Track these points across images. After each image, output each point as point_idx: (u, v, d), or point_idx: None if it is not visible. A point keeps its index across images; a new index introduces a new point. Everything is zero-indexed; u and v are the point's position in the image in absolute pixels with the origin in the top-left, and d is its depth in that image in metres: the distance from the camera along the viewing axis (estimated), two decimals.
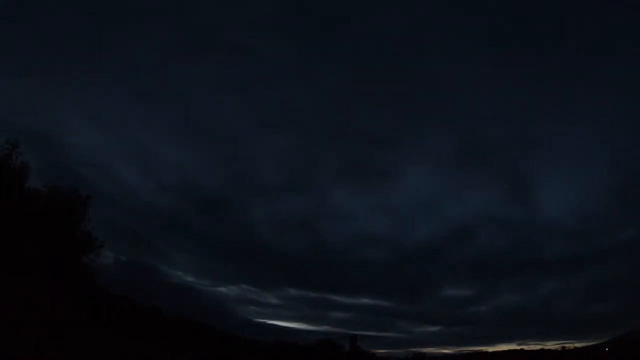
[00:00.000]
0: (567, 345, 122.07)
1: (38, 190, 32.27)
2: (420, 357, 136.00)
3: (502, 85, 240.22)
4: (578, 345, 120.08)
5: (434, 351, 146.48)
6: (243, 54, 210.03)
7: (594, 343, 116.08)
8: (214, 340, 64.08)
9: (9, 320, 25.47)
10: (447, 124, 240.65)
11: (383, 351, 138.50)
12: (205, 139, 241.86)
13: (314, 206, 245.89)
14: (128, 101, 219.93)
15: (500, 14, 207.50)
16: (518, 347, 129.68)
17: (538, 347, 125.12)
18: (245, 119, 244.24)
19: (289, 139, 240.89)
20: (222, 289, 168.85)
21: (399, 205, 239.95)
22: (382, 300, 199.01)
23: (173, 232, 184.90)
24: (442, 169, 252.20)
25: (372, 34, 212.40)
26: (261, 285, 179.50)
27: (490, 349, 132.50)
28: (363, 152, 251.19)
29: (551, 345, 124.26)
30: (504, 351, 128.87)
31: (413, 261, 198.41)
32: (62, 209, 33.23)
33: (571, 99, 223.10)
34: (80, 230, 34.65)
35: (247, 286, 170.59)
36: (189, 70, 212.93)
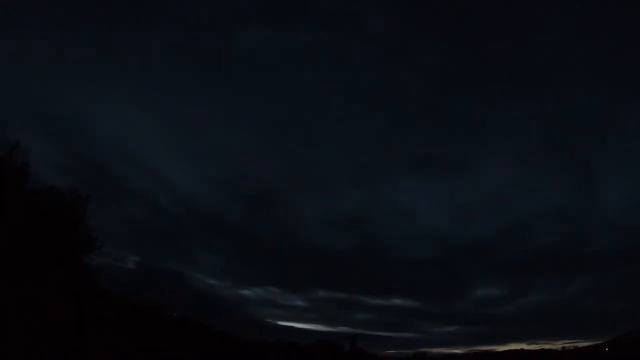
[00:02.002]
0: (567, 345, 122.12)
1: (38, 190, 32.26)
2: (420, 357, 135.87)
3: (590, 78, 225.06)
4: (578, 345, 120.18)
5: (445, 351, 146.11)
6: (339, 24, 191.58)
7: (594, 343, 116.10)
8: (213, 340, 64.04)
9: (9, 321, 25.47)
10: (531, 116, 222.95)
11: (392, 351, 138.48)
12: (261, 123, 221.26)
13: (372, 202, 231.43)
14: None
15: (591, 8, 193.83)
16: (518, 347, 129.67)
17: (547, 346, 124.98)
18: (320, 100, 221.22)
19: (365, 126, 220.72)
20: (246, 292, 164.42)
21: (462, 200, 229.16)
22: (413, 300, 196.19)
23: (207, 232, 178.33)
24: (516, 162, 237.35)
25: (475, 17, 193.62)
26: (288, 287, 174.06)
27: (500, 348, 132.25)
28: (439, 143, 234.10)
29: (560, 344, 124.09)
30: (504, 351, 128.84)
31: (457, 261, 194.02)
32: (62, 209, 33.23)
33: None
34: (80, 230, 34.64)
35: (273, 288, 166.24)
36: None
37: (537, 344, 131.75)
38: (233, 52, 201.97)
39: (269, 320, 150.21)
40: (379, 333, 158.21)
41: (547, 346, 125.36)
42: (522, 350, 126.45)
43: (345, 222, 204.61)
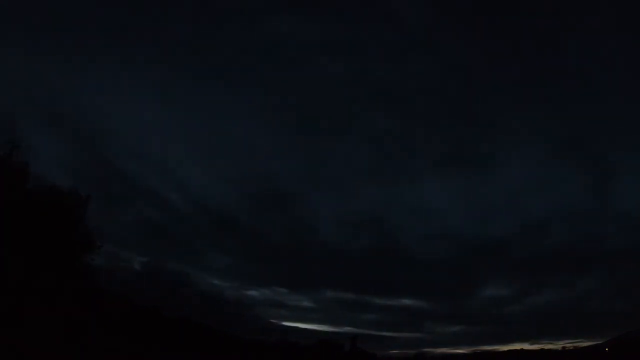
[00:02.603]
0: (567, 345, 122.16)
1: (38, 190, 32.27)
2: (421, 357, 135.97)
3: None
4: (578, 345, 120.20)
5: (448, 351, 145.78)
6: (366, 16, 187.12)
7: (594, 343, 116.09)
8: (211, 340, 63.98)
9: (8, 321, 25.45)
10: (552, 114, 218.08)
11: (395, 352, 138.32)
12: (280, 118, 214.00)
13: (390, 201, 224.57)
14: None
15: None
16: (520, 347, 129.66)
17: (548, 346, 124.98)
18: (343, 94, 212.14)
19: (387, 122, 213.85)
20: (252, 292, 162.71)
21: (480, 199, 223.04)
22: (422, 301, 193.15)
23: (217, 232, 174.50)
24: (535, 160, 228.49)
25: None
26: (296, 287, 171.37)
27: (503, 348, 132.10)
28: (461, 140, 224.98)
29: (563, 344, 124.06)
30: (503, 351, 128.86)
31: (469, 261, 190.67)
32: (62, 208, 33.24)
33: None
34: (80, 230, 34.67)
35: (280, 288, 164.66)
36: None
37: (539, 343, 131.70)
38: (255, 44, 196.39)
39: (273, 320, 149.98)
40: (384, 333, 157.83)
41: (549, 346, 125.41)
42: (522, 350, 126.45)
43: (361, 221, 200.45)
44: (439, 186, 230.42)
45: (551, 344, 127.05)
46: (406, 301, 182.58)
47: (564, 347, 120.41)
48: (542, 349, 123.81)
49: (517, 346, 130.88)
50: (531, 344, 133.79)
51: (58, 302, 30.09)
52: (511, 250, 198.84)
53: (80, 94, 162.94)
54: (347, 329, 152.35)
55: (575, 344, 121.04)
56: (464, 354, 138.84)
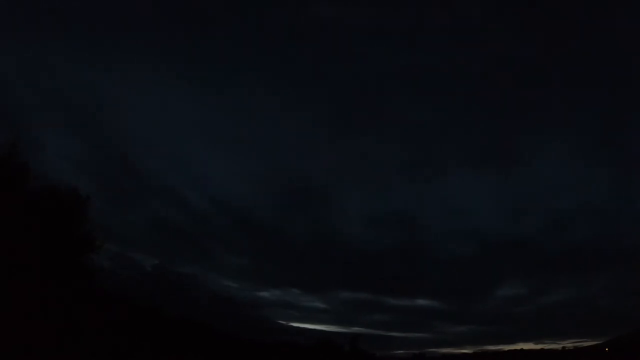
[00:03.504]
0: (567, 345, 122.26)
1: (38, 190, 32.10)
2: (420, 357, 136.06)
3: None
4: (578, 345, 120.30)
5: (453, 351, 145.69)
6: (413, 7, 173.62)
7: (594, 343, 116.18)
8: (211, 340, 63.88)
9: (8, 321, 25.29)
10: (589, 112, 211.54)
11: (401, 351, 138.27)
12: (312, 111, 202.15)
13: (421, 197, 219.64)
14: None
15: None
16: (525, 347, 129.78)
17: (552, 346, 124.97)
18: (380, 87, 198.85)
19: (423, 115, 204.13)
20: (264, 293, 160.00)
21: (509, 197, 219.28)
22: (436, 301, 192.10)
23: (234, 232, 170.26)
24: (568, 158, 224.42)
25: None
26: (311, 288, 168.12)
27: (507, 347, 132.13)
28: (498, 136, 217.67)
29: (566, 343, 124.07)
30: (503, 351, 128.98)
31: (491, 260, 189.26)
32: (62, 209, 33.09)
33: None
34: (80, 230, 34.50)
35: (294, 289, 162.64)
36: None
37: (543, 343, 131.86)
38: (288, 32, 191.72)
39: (280, 321, 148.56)
40: (392, 334, 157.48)
41: (552, 346, 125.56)
42: (522, 350, 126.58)
43: (389, 219, 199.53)
44: (469, 182, 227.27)
45: (555, 343, 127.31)
46: (421, 302, 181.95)
47: (564, 347, 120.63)
48: (542, 349, 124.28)
49: (521, 346, 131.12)
50: (535, 343, 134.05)
51: (56, 302, 29.95)
52: (532, 249, 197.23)
53: (96, 89, 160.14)
54: (355, 329, 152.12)
55: (575, 344, 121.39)
56: (464, 354, 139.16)
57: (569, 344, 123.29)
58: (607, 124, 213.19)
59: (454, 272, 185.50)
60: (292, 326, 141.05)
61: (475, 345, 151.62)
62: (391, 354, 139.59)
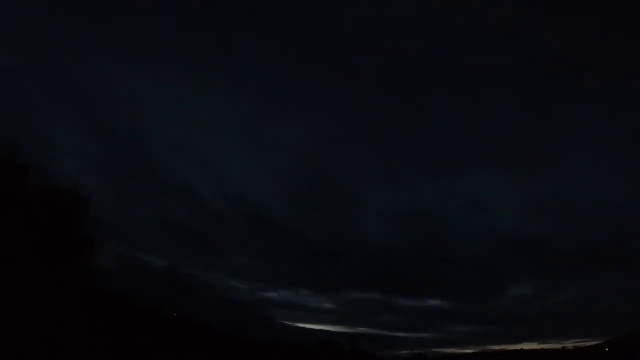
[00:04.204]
0: (567, 345, 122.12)
1: (38, 190, 32.09)
2: (420, 357, 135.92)
3: None
4: (578, 345, 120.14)
5: (455, 351, 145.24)
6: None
7: (594, 343, 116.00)
8: (211, 340, 63.78)
9: (9, 322, 25.28)
10: (617, 110, 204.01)
11: (405, 352, 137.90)
12: (331, 105, 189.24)
13: (442, 195, 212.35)
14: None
15: None
16: (518, 347, 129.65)
17: (554, 346, 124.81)
18: (409, 82, 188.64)
19: (452, 109, 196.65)
20: (273, 294, 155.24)
21: (531, 195, 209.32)
22: (447, 301, 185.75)
23: (248, 232, 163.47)
24: (593, 156, 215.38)
25: None
26: (322, 288, 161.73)
27: (511, 347, 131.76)
28: (524, 133, 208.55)
29: (570, 343, 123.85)
30: (503, 351, 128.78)
31: (507, 259, 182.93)
32: (62, 209, 33.05)
33: None
34: (80, 230, 34.47)
35: (304, 290, 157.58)
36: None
37: (547, 343, 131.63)
38: (318, 31, 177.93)
39: (285, 322, 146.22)
40: (398, 334, 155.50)
41: (553, 346, 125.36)
42: (522, 350, 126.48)
43: (410, 217, 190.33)
44: (492, 181, 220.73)
45: (558, 343, 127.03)
46: (431, 302, 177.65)
47: (564, 347, 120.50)
48: (542, 349, 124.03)
49: (525, 346, 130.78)
50: (539, 343, 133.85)
51: (57, 302, 29.94)
52: (548, 249, 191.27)
53: (109, 82, 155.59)
54: (361, 329, 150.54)
55: (575, 344, 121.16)
56: (465, 354, 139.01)
57: (571, 343, 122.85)
58: (632, 123, 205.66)
59: (467, 271, 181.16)
60: (295, 326, 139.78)
61: (479, 345, 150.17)
62: (393, 354, 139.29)
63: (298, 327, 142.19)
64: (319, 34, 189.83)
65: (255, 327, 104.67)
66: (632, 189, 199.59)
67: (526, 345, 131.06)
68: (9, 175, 29.20)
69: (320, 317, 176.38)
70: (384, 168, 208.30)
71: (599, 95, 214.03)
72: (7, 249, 27.13)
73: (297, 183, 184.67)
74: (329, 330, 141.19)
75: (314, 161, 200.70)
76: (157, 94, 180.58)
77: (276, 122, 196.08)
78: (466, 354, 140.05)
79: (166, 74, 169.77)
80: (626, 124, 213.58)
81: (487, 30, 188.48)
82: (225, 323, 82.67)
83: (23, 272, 28.02)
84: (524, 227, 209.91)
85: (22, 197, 29.97)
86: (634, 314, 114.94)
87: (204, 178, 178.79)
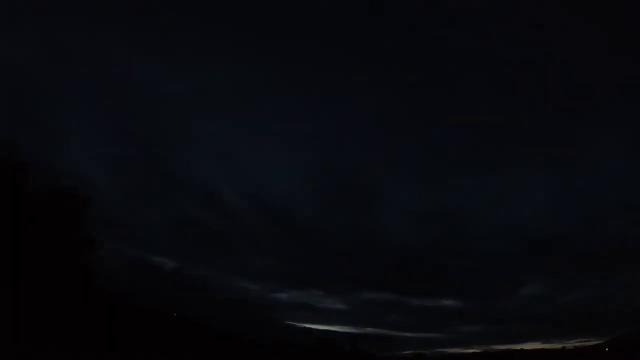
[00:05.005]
0: (567, 345, 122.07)
1: (38, 190, 32.10)
2: (420, 357, 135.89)
3: None
4: (578, 345, 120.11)
5: (459, 351, 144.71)
6: None
7: (594, 343, 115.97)
8: (211, 340, 63.74)
9: (9, 322, 25.32)
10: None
11: (409, 352, 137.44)
12: (359, 101, 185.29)
13: (470, 193, 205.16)
14: None
15: None
16: (518, 347, 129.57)
17: (557, 346, 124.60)
18: (448, 76, 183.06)
19: (477, 109, 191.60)
20: (282, 295, 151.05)
21: (555, 192, 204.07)
22: (460, 301, 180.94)
23: (265, 232, 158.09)
24: (620, 154, 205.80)
25: None
26: (334, 289, 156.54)
27: (517, 346, 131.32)
28: (552, 129, 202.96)
29: (573, 343, 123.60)
30: (503, 351, 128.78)
31: (524, 258, 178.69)
32: (62, 209, 33.06)
33: None
34: (80, 231, 34.48)
35: (316, 290, 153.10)
36: None
37: (551, 343, 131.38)
38: (349, 30, 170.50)
39: (291, 322, 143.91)
40: (406, 334, 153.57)
41: (555, 346, 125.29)
42: (522, 350, 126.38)
43: (434, 215, 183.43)
44: (519, 177, 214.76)
45: (561, 343, 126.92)
46: (445, 302, 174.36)
47: (564, 347, 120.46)
48: (543, 349, 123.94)
49: (529, 346, 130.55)
50: (542, 343, 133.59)
51: (57, 302, 29.95)
52: (566, 247, 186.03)
53: (123, 76, 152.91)
54: (367, 329, 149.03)
55: (576, 344, 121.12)
56: (467, 354, 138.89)
57: (573, 343, 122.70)
58: None
59: (485, 271, 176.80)
60: (301, 327, 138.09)
61: (483, 345, 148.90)
62: (394, 354, 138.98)
63: (304, 327, 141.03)
64: (346, 25, 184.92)
65: (259, 327, 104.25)
66: None
67: (529, 346, 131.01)
68: (8, 175, 29.20)
69: (329, 317, 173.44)
70: (410, 167, 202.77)
71: (619, 94, 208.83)
72: (7, 249, 27.14)
73: (320, 182, 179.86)
74: (335, 331, 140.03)
75: (337, 158, 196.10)
76: (175, 89, 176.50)
77: (299, 117, 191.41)
78: (469, 353, 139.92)
79: (182, 70, 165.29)
80: None
81: (523, 27, 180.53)
82: (229, 323, 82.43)
83: (23, 272, 28.04)
84: (546, 226, 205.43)
85: (22, 197, 29.97)
86: (630, 313, 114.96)
87: (222, 176, 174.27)
